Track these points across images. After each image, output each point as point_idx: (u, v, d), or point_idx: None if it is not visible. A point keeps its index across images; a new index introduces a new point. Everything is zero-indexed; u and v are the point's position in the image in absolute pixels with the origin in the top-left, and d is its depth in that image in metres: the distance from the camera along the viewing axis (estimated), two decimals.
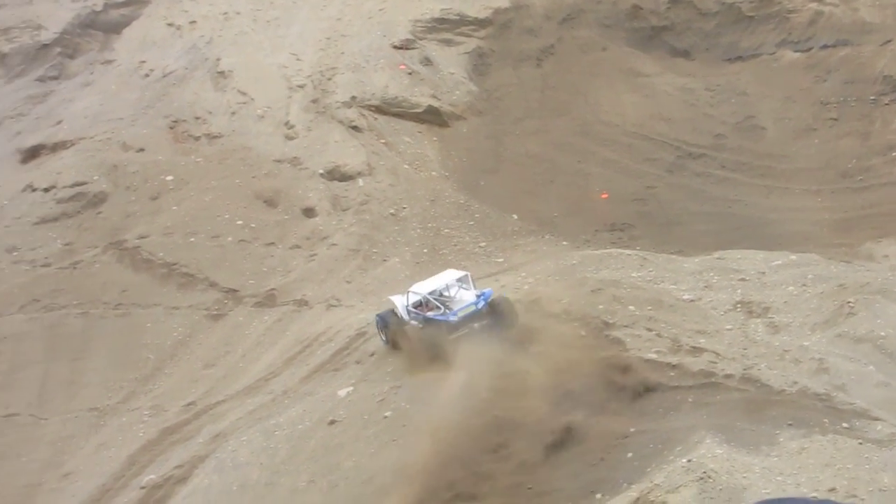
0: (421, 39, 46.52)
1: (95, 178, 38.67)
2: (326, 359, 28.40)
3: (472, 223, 37.79)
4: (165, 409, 29.43)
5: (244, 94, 43.46)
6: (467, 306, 25.68)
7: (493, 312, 25.65)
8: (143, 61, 46.80)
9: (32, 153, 43.13)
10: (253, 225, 36.63)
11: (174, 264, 34.59)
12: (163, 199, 37.82)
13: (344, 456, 23.47)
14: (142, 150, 40.34)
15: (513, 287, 28.82)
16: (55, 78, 49.51)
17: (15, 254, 36.09)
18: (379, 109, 43.03)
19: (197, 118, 42.29)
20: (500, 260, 34.88)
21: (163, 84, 44.75)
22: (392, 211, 38.11)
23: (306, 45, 46.60)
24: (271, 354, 30.60)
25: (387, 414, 24.10)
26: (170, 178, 38.78)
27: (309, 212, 37.75)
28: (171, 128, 41.91)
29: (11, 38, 51.71)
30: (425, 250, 36.22)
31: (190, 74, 45.11)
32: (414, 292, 26.54)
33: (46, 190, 38.56)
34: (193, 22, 48.94)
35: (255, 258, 35.39)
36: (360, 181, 39.20)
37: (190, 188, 38.26)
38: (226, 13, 49.60)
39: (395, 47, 46.00)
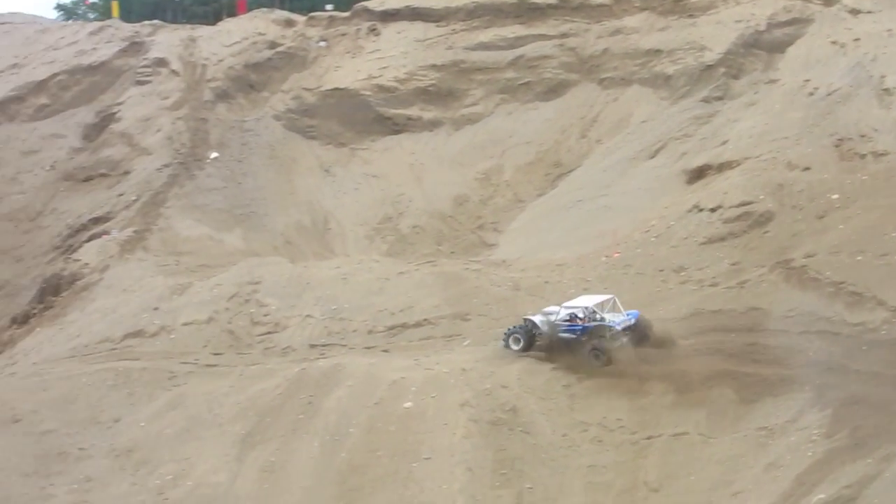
0: None
1: (761, 197, 39.80)
2: None
3: None
4: None
5: None
6: (625, 320, 32.78)
7: (638, 328, 32.81)
8: (808, 80, 47.36)
9: (698, 173, 45.08)
10: None
11: (841, 283, 34.08)
12: (829, 218, 38.07)
13: None
14: (807, 168, 41.08)
15: None
16: (720, 98, 51.02)
17: (682, 273, 37.86)
18: None
19: (862, 136, 42.30)
20: None
21: (827, 102, 45.04)
22: None
23: None
24: None
25: None
26: (836, 196, 39.01)
27: None
28: (837, 146, 42.19)
29: (676, 60, 54.00)
30: None
31: (855, 92, 45.12)
32: (571, 307, 33.45)
33: (713, 210, 40.20)
34: (857, 39, 49.01)
35: None
36: None
37: (856, 206, 38.18)
38: (890, 30, 49.14)
39: None
